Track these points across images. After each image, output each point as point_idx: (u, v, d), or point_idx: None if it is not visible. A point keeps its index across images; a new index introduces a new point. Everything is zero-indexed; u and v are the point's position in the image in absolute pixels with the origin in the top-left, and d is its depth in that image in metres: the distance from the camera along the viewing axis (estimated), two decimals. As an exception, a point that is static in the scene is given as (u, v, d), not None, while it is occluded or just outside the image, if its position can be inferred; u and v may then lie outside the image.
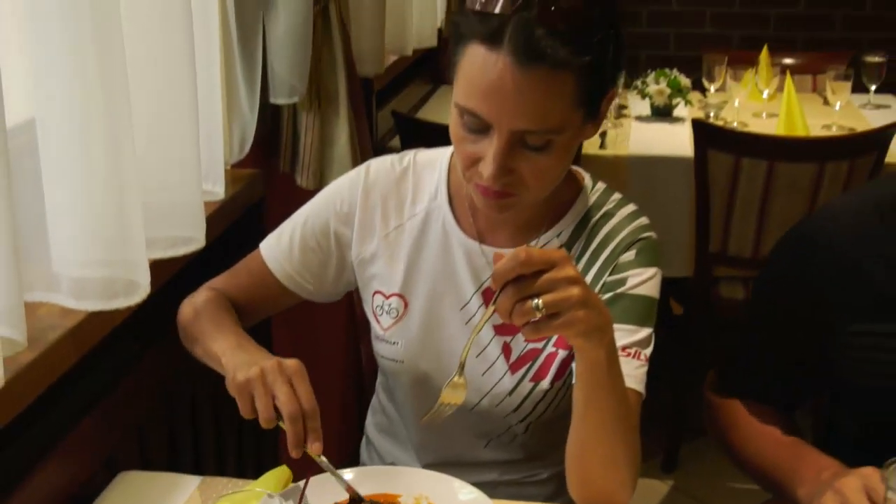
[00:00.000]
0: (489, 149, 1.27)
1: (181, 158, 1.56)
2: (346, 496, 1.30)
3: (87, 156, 1.32)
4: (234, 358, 1.31)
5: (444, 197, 1.49)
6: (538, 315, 1.11)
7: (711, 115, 3.45)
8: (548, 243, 1.45)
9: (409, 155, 1.54)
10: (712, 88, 3.53)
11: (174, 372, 1.75)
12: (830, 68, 3.41)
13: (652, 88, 3.46)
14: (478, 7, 1.25)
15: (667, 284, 3.55)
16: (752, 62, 3.59)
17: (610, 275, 1.42)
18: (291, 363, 1.27)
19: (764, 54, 3.62)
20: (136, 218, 1.40)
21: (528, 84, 1.22)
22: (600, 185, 1.50)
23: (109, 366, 1.55)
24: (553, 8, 1.21)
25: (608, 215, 1.46)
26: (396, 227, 1.50)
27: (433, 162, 1.52)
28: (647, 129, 3.41)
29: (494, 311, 1.13)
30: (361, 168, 1.53)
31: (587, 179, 1.51)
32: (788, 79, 3.26)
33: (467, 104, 1.27)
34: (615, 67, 1.31)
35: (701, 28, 4.94)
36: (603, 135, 3.24)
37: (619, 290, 1.42)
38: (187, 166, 1.57)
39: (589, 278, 1.43)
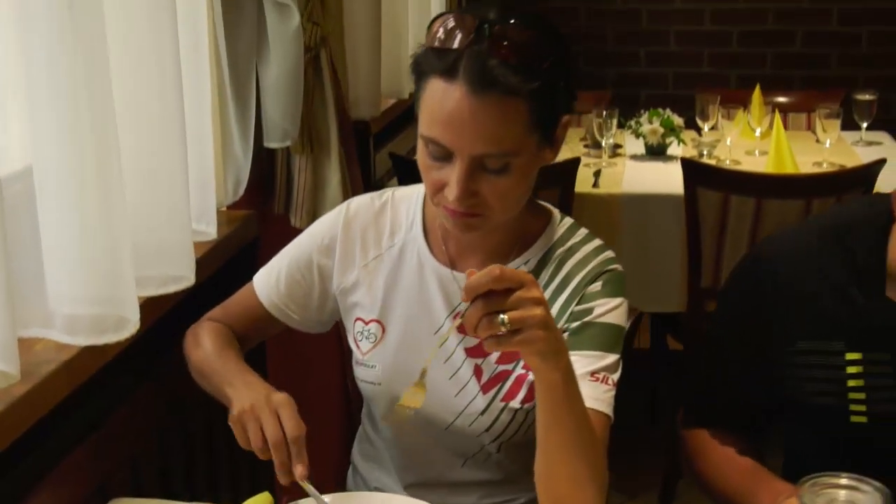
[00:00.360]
0: (453, 174, 1.37)
1: (171, 201, 1.64)
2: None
3: (81, 201, 1.40)
4: (238, 395, 1.42)
5: (419, 228, 1.59)
6: (502, 329, 1.18)
7: (704, 153, 3.52)
8: (517, 269, 1.51)
9: (388, 192, 1.65)
10: (706, 127, 3.59)
11: (167, 405, 1.82)
12: (822, 106, 3.47)
13: (646, 128, 3.53)
14: (436, 44, 1.36)
15: (663, 322, 3.62)
16: (745, 101, 3.67)
17: (577, 304, 1.50)
18: (279, 396, 1.38)
19: (756, 93, 3.69)
20: (125, 258, 1.48)
21: (483, 110, 1.33)
22: (567, 220, 1.59)
23: (103, 399, 1.62)
24: (503, 41, 1.33)
25: (574, 248, 1.54)
26: (375, 257, 1.60)
27: (409, 197, 1.62)
28: (642, 167, 3.48)
29: (461, 322, 1.20)
30: (343, 205, 1.64)
31: (555, 214, 1.59)
32: (777, 117, 3.33)
33: (430, 133, 1.37)
34: (567, 95, 1.42)
35: (699, 68, 5.03)
36: (597, 174, 3.31)
37: (586, 319, 1.49)
38: (177, 209, 1.65)
39: (556, 309, 1.50)
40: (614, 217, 3.15)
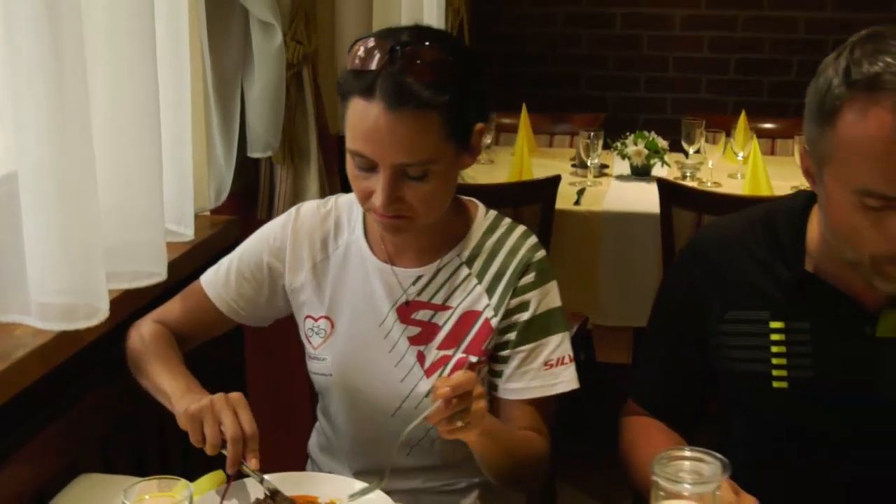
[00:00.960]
0: (378, 183, 1.52)
1: (145, 204, 1.79)
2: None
3: (58, 203, 1.56)
4: (184, 399, 1.57)
5: (361, 230, 1.73)
6: (460, 424, 1.42)
7: (688, 175, 3.64)
8: (449, 262, 1.68)
9: (332, 198, 1.79)
10: (691, 150, 3.71)
11: (138, 393, 1.95)
12: (800, 133, 3.57)
13: (631, 149, 3.66)
14: (356, 67, 1.51)
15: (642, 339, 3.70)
16: (730, 126, 3.78)
17: (512, 297, 1.65)
18: (235, 395, 1.52)
19: (742, 119, 3.81)
20: (97, 253, 1.63)
21: (400, 124, 1.48)
22: (492, 213, 1.74)
23: (77, 384, 1.76)
24: (415, 61, 1.48)
25: (502, 238, 1.69)
26: (322, 259, 1.74)
27: (351, 203, 1.76)
28: (626, 187, 3.60)
29: (426, 418, 1.44)
30: (292, 210, 1.79)
31: (480, 207, 1.74)
32: (755, 142, 3.45)
33: (354, 147, 1.52)
34: (479, 106, 1.57)
35: (697, 94, 5.15)
36: (581, 192, 3.44)
37: (526, 317, 1.66)
38: (151, 210, 1.80)
39: (494, 299, 1.66)
40: (594, 234, 3.27)
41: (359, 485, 1.52)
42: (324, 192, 2.45)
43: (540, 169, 3.59)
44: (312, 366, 1.76)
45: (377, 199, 1.52)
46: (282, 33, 2.26)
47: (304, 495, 1.53)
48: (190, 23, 2.03)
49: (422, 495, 1.73)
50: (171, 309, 1.80)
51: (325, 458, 1.85)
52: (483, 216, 1.73)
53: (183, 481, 1.29)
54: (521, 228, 1.72)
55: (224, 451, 1.47)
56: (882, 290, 1.43)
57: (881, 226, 1.34)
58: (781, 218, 1.56)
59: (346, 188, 1.88)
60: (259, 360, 2.49)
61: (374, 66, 1.49)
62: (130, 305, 1.81)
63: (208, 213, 2.28)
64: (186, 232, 2.06)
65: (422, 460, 1.73)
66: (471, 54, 1.58)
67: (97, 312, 1.64)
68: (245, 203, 2.45)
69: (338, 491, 1.53)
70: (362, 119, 1.50)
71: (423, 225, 1.59)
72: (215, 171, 2.25)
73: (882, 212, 1.33)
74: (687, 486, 0.96)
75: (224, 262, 1.79)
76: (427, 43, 1.51)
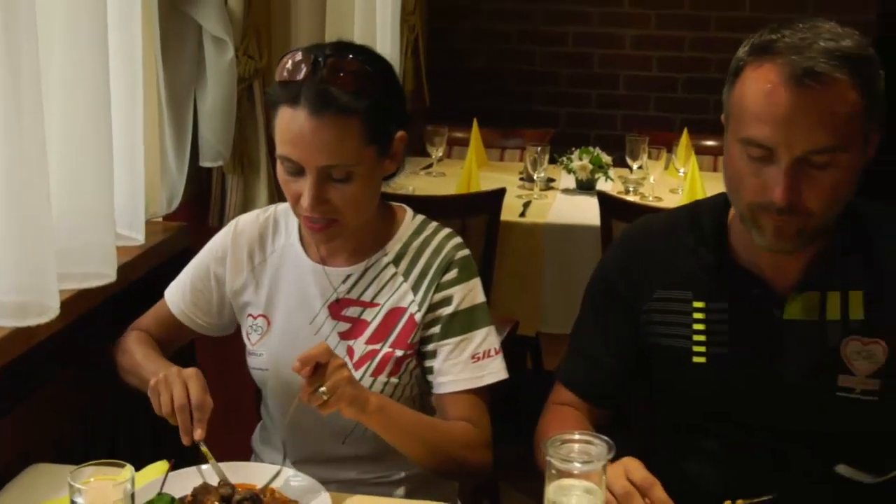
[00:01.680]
0: (305, 185, 1.63)
1: (96, 208, 1.88)
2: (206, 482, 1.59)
3: (13, 205, 1.65)
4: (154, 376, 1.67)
5: (296, 234, 1.85)
6: (325, 398, 1.53)
7: (631, 189, 3.77)
8: (377, 261, 1.80)
9: (272, 207, 1.92)
10: (634, 166, 3.84)
11: (91, 389, 2.05)
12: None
13: (576, 164, 3.79)
14: (283, 78, 1.64)
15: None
16: (672, 143, 3.93)
17: (435, 293, 1.77)
18: (189, 370, 1.65)
19: (684, 137, 3.95)
20: (48, 255, 1.72)
21: (323, 129, 1.60)
22: (420, 217, 1.86)
23: (30, 378, 1.85)
24: (337, 71, 1.61)
25: (428, 239, 1.81)
26: (260, 262, 1.86)
27: (286, 210, 1.88)
28: (571, 200, 3.73)
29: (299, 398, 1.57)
30: (233, 221, 1.92)
31: (408, 211, 1.86)
32: (693, 158, 3.60)
33: (283, 152, 1.65)
34: (399, 114, 1.71)
35: (646, 111, 5.30)
36: (526, 204, 3.57)
37: (449, 311, 1.77)
38: (101, 214, 1.89)
39: (419, 295, 1.78)
40: (538, 245, 3.39)
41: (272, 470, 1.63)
42: (273, 201, 2.54)
43: (489, 182, 3.70)
44: (251, 361, 1.87)
45: (304, 200, 1.64)
46: (234, 48, 2.36)
47: (243, 483, 1.62)
48: (144, 36, 2.12)
49: (358, 486, 1.82)
50: (145, 319, 1.94)
51: (266, 449, 1.95)
52: (410, 219, 1.84)
53: (128, 466, 1.38)
54: (446, 230, 1.84)
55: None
56: (761, 245, 1.55)
57: (758, 174, 1.48)
58: (705, 210, 1.70)
59: None
60: (208, 362, 2.58)
61: (299, 76, 1.62)
62: (81, 305, 1.91)
63: (161, 219, 2.38)
64: (137, 236, 2.15)
65: (357, 449, 1.83)
66: (388, 66, 1.71)
67: (48, 310, 1.73)
68: (197, 210, 2.54)
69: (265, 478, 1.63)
70: (289, 125, 1.62)
71: (351, 228, 1.71)
72: (168, 178, 2.35)
73: (761, 161, 1.47)
74: (577, 465, 1.07)
75: (182, 277, 1.92)
76: (349, 56, 1.64)
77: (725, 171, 1.57)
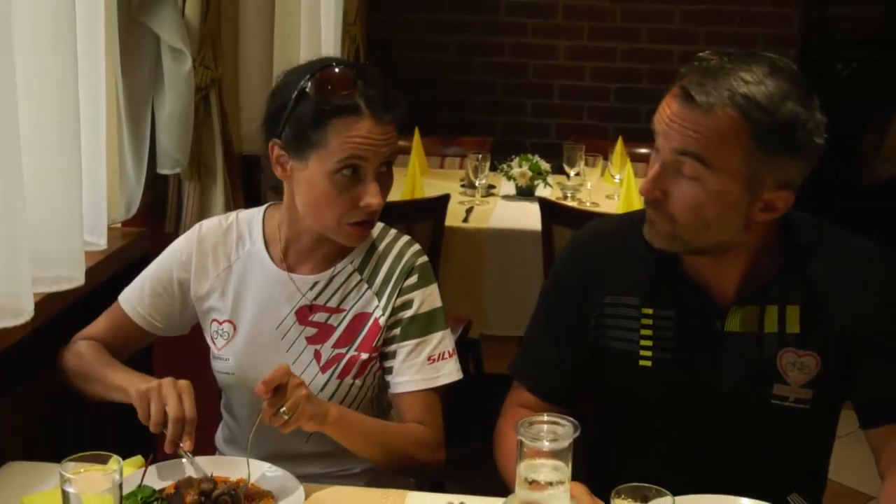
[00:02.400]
0: (366, 185, 1.76)
1: (66, 214, 1.94)
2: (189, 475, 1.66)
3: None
4: (140, 383, 1.74)
5: (261, 241, 1.92)
6: (285, 417, 1.63)
7: (569, 195, 3.90)
8: (343, 269, 1.89)
9: (233, 214, 1.99)
10: (571, 173, 3.97)
11: (58, 390, 2.09)
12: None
13: (516, 171, 3.91)
14: (330, 91, 1.75)
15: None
16: (608, 151, 4.07)
17: (398, 297, 1.87)
18: (183, 382, 1.72)
19: (619, 144, 4.10)
20: (23, 260, 1.77)
21: (384, 131, 1.76)
22: (380, 224, 1.94)
23: (2, 379, 1.90)
24: (378, 81, 1.78)
25: (389, 246, 1.92)
26: (225, 268, 1.93)
27: (251, 217, 1.96)
28: (511, 206, 3.85)
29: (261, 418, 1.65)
30: (196, 227, 1.98)
31: None
32: (629, 165, 3.74)
33: (347, 158, 1.74)
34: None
35: (579, 120, 5.46)
36: (469, 210, 3.68)
37: (409, 314, 1.87)
38: (71, 220, 1.95)
39: (383, 300, 1.88)
40: (481, 249, 3.50)
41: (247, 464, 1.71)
42: (229, 207, 2.62)
43: (431, 188, 3.80)
44: (217, 365, 1.94)
45: (374, 198, 1.76)
46: (191, 59, 2.43)
47: (219, 476, 1.70)
48: (105, 47, 2.18)
49: (321, 479, 1.90)
50: (96, 326, 1.99)
51: (230, 448, 2.02)
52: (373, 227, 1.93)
53: (115, 456, 1.45)
54: (405, 238, 1.94)
55: (165, 431, 1.65)
56: (646, 237, 1.69)
57: (650, 169, 1.64)
58: None
59: (250, 203, 2.07)
60: (167, 364, 2.63)
61: (350, 89, 1.74)
62: (51, 308, 1.96)
63: (119, 225, 2.43)
64: (100, 242, 2.21)
65: (319, 447, 1.91)
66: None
67: (23, 312, 1.78)
68: (154, 216, 2.60)
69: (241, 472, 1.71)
70: (356, 132, 1.74)
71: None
72: (126, 185, 2.41)
73: (654, 160, 1.63)
74: (545, 443, 1.17)
75: (138, 281, 1.98)
76: (374, 68, 1.82)
77: None
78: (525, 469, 1.19)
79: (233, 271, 1.93)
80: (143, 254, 2.47)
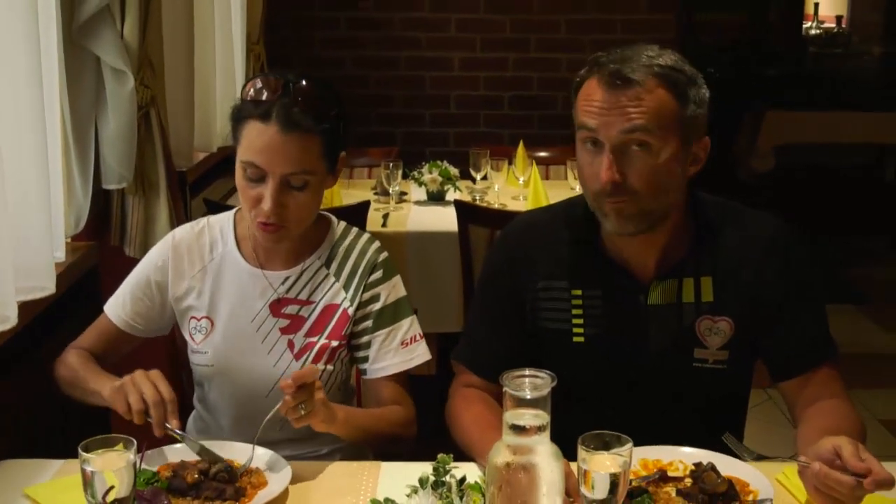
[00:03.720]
0: (267, 190, 1.88)
1: (38, 230, 2.08)
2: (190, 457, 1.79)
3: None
4: (110, 383, 1.86)
5: (233, 242, 2.08)
6: (302, 413, 1.76)
7: (477, 198, 4.11)
8: (311, 264, 2.05)
9: (204, 220, 2.14)
10: (478, 177, 4.17)
11: (35, 391, 2.20)
12: (572, 159, 4.11)
13: (426, 177, 4.11)
14: (252, 97, 1.89)
15: (446, 343, 4.11)
16: (512, 156, 4.29)
17: (364, 292, 2.04)
18: (153, 371, 1.83)
19: (520, 149, 4.32)
20: (8, 272, 1.90)
21: (290, 143, 1.87)
22: (342, 223, 2.12)
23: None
24: (305, 95, 1.88)
25: (352, 243, 2.08)
26: (200, 269, 2.08)
27: (221, 220, 2.12)
28: (424, 211, 4.04)
29: (278, 409, 1.78)
30: (169, 234, 2.12)
31: (333, 219, 2.12)
32: (534, 167, 3.97)
33: (248, 159, 1.88)
34: (345, 135, 1.97)
35: (476, 127, 5.70)
36: (385, 216, 3.85)
37: (378, 307, 2.04)
38: (43, 235, 2.09)
39: (350, 292, 2.04)
40: (401, 252, 3.67)
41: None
42: (172, 219, 2.74)
43: (346, 197, 3.96)
44: (195, 359, 2.08)
45: (266, 204, 1.88)
46: (133, 78, 2.55)
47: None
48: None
49: (291, 461, 2.05)
50: (86, 336, 2.11)
51: (203, 438, 2.14)
52: (335, 225, 2.11)
53: (126, 438, 1.57)
54: (366, 235, 2.11)
55: (149, 418, 1.77)
56: (610, 230, 1.86)
57: (592, 164, 1.81)
58: (579, 207, 1.96)
59: (189, 219, 2.20)
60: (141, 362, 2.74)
61: (271, 96, 1.87)
62: (28, 314, 2.08)
63: (69, 240, 2.54)
64: (59, 255, 2.32)
65: (290, 434, 2.04)
66: (339, 93, 1.98)
67: (7, 319, 1.91)
68: (98, 230, 2.71)
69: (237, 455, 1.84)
70: (258, 137, 1.87)
71: (296, 234, 1.97)
72: (74, 201, 2.52)
73: (592, 153, 1.80)
74: (527, 392, 1.35)
75: (120, 290, 2.11)
76: (312, 84, 1.91)
77: (577, 168, 1.89)
78: (510, 417, 1.37)
79: (207, 272, 2.07)
80: (94, 264, 2.59)
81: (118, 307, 2.10)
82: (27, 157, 2.02)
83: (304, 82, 1.90)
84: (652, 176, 1.80)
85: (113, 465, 1.52)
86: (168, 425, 1.78)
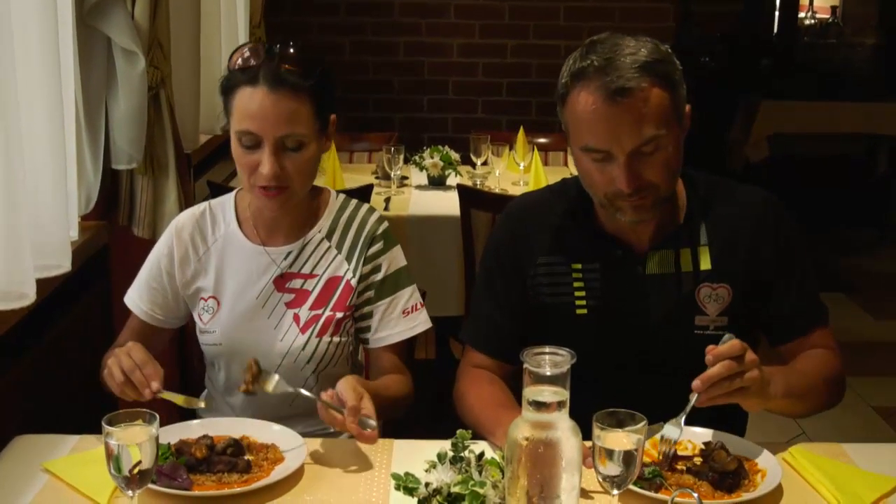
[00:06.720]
0: (263, 155, 1.91)
1: (55, 210, 2.10)
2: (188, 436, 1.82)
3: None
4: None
5: (234, 222, 2.10)
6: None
7: (478, 183, 4.14)
8: (312, 238, 2.08)
9: (205, 203, 2.16)
10: (479, 162, 4.20)
11: (51, 367, 2.23)
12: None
13: (427, 162, 4.13)
14: (240, 65, 1.92)
15: (447, 328, 4.16)
16: (512, 141, 4.32)
17: (365, 264, 2.07)
18: (130, 342, 1.86)
19: (520, 135, 4.35)
20: (26, 250, 1.92)
21: (280, 102, 1.89)
22: (341, 195, 2.15)
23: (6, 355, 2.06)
24: (289, 56, 1.91)
25: (353, 215, 2.11)
26: (204, 251, 2.10)
27: (222, 202, 2.14)
28: (425, 195, 4.07)
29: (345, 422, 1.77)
30: (172, 223, 2.15)
31: (331, 191, 2.15)
32: (536, 153, 4.01)
33: (243, 127, 1.91)
34: (332, 97, 1.99)
35: (474, 114, 5.72)
36: (387, 200, 3.88)
37: (379, 277, 2.08)
38: (59, 215, 2.11)
39: (352, 264, 2.07)
40: (403, 235, 3.67)
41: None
42: (180, 200, 2.76)
43: (348, 181, 3.99)
44: (204, 338, 2.10)
45: (264, 168, 1.90)
46: (144, 59, 2.57)
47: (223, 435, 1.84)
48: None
49: (304, 436, 2.09)
50: (121, 336, 2.12)
51: (213, 416, 2.15)
52: (334, 198, 2.13)
53: (148, 411, 1.59)
54: (365, 206, 2.14)
55: (163, 396, 1.80)
56: (625, 221, 1.91)
57: (603, 171, 1.85)
58: (573, 187, 2.04)
59: (193, 201, 2.22)
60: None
61: (257, 61, 1.90)
62: (41, 292, 2.09)
63: (79, 219, 2.56)
64: (72, 234, 2.34)
65: (301, 409, 2.08)
66: (324, 58, 2.01)
67: (26, 296, 1.93)
68: (107, 210, 2.72)
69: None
70: (249, 102, 1.89)
71: (298, 197, 1.99)
72: (85, 181, 2.54)
73: (603, 161, 1.84)
74: (547, 369, 1.38)
75: (136, 283, 2.14)
76: (292, 44, 1.95)
77: (577, 170, 1.93)
78: (530, 393, 1.40)
79: (212, 253, 2.09)
80: (105, 244, 2.61)
81: (137, 300, 2.12)
82: (44, 137, 2.05)
83: (288, 45, 1.94)
84: (666, 167, 1.86)
85: (136, 439, 1.54)
86: (151, 388, 1.78)
